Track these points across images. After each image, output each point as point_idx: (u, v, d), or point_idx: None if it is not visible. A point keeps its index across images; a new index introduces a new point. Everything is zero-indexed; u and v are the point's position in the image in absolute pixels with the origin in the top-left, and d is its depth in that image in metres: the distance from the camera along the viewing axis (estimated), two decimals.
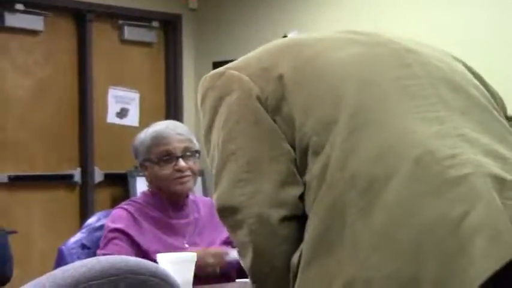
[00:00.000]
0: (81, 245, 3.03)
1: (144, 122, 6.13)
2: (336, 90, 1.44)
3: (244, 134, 1.46)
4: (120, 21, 6.15)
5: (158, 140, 2.87)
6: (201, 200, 3.02)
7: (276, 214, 1.41)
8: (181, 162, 2.83)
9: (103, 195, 5.69)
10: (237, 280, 2.68)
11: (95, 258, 1.34)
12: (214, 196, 1.48)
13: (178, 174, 2.84)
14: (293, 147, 1.44)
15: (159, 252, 2.58)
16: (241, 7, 6.35)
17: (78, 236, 3.10)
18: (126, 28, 6.20)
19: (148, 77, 6.43)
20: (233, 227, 1.47)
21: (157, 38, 6.44)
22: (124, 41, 6.22)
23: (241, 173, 1.45)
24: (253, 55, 1.58)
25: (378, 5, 5.62)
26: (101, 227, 3.06)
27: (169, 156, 2.85)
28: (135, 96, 6.22)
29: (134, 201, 2.93)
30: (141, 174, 5.66)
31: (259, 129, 1.46)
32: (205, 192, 5.65)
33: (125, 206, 2.92)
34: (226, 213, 1.47)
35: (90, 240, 3.05)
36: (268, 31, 6.11)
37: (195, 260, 2.35)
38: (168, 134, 2.88)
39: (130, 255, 2.63)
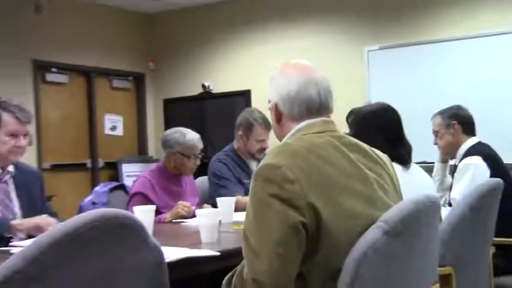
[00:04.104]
0: (92, 202, 3.43)
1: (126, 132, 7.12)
2: None
3: None
4: (111, 77, 7.36)
5: (192, 147, 3.44)
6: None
7: None
8: (198, 161, 3.48)
9: None
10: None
11: (91, 211, 1.41)
12: None
13: (194, 166, 3.48)
14: None
15: (166, 209, 3.23)
16: (184, 65, 7.45)
17: (90, 197, 3.46)
18: (114, 80, 7.42)
19: (127, 109, 7.49)
20: None
21: (132, 86, 7.58)
22: (114, 88, 7.40)
23: None
24: None
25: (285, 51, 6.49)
26: (104, 192, 3.47)
27: (194, 156, 3.46)
28: (120, 119, 7.37)
29: (153, 173, 3.44)
30: None
31: None
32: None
33: (147, 176, 3.39)
34: None
35: (98, 200, 3.43)
36: (193, 83, 7.33)
37: (154, 209, 2.68)
38: (197, 145, 3.45)
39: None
